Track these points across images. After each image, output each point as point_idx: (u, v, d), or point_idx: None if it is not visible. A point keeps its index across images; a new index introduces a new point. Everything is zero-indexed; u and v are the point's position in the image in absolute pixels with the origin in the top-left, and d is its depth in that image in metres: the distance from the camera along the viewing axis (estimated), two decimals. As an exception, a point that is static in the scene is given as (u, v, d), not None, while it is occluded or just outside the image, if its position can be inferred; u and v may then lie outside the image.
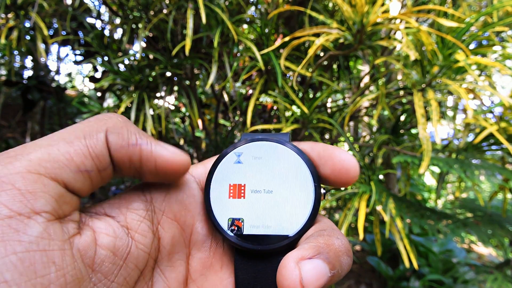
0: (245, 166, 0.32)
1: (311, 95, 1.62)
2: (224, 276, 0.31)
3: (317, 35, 1.07)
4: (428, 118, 0.95)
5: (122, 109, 1.24)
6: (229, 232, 0.30)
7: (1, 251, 0.20)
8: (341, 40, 1.22)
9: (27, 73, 3.00)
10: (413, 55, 0.90)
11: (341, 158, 0.30)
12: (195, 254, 0.31)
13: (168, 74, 1.39)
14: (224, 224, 0.31)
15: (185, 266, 0.31)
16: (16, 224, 0.21)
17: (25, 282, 0.20)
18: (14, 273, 0.20)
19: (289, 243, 0.30)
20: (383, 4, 0.97)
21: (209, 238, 0.32)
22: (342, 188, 1.27)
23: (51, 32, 2.11)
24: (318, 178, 0.31)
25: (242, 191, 0.31)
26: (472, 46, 1.03)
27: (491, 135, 1.04)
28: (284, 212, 0.31)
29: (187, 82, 1.48)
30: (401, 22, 1.07)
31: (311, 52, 0.95)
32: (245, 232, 0.30)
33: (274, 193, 0.31)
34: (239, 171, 0.32)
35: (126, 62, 1.36)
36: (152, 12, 1.34)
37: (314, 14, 1.05)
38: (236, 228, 0.30)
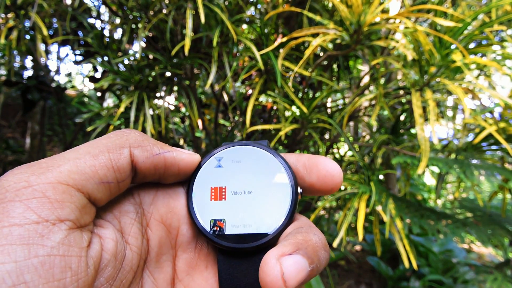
0: (225, 169, 0.34)
1: (311, 95, 1.62)
2: (209, 276, 0.33)
3: (316, 35, 1.07)
4: (426, 118, 0.95)
5: (121, 109, 1.25)
6: (211, 233, 0.32)
7: (24, 254, 0.22)
8: (338, 41, 1.22)
9: (27, 73, 3.00)
10: (410, 55, 0.90)
11: (326, 164, 0.32)
12: (181, 255, 0.33)
13: (168, 74, 1.39)
14: (206, 225, 0.32)
15: (172, 267, 0.32)
16: (41, 230, 0.23)
17: (42, 284, 0.22)
18: (34, 275, 0.22)
19: (269, 240, 0.31)
20: (381, 3, 0.97)
21: (194, 240, 0.33)
22: (342, 188, 1.28)
23: (51, 32, 2.11)
24: (295, 178, 0.33)
25: (223, 193, 0.33)
26: (472, 46, 1.03)
27: (490, 135, 1.04)
28: (263, 211, 0.32)
29: (187, 82, 1.48)
30: (400, 22, 1.07)
31: (308, 52, 0.96)
32: (226, 232, 0.32)
33: (254, 193, 0.33)
34: (219, 174, 0.34)
35: (126, 62, 1.36)
36: (151, 12, 1.34)
37: (310, 15, 1.05)
38: (218, 229, 0.32)
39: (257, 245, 0.31)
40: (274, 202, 0.32)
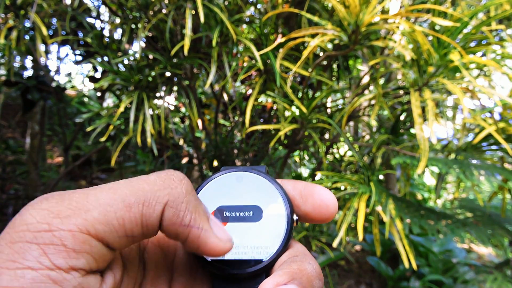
0: (222, 195, 0.34)
1: (310, 95, 1.62)
2: None
3: (315, 35, 1.07)
4: (426, 118, 0.95)
5: (121, 109, 1.25)
6: (207, 258, 0.32)
7: None
8: (336, 41, 1.21)
9: (27, 73, 3.00)
10: (408, 55, 0.90)
11: (321, 194, 0.33)
12: (176, 278, 0.33)
13: (168, 74, 1.39)
14: None
15: None
16: (55, 276, 0.23)
17: None
18: None
19: (263, 267, 0.32)
20: (379, 3, 0.97)
21: (190, 263, 0.34)
22: (342, 188, 1.27)
23: (51, 32, 2.11)
24: (291, 205, 0.33)
25: (219, 218, 0.33)
26: (472, 45, 1.03)
27: (490, 135, 1.03)
28: (259, 238, 0.33)
29: (187, 82, 1.48)
30: (399, 22, 1.07)
31: (305, 53, 0.96)
32: (221, 258, 0.32)
33: (250, 220, 0.33)
34: (217, 199, 0.34)
35: (126, 62, 1.36)
36: (151, 12, 1.34)
37: (308, 15, 1.05)
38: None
39: (251, 271, 0.32)
40: (269, 229, 0.33)
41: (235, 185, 0.35)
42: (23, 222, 0.24)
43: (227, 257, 0.32)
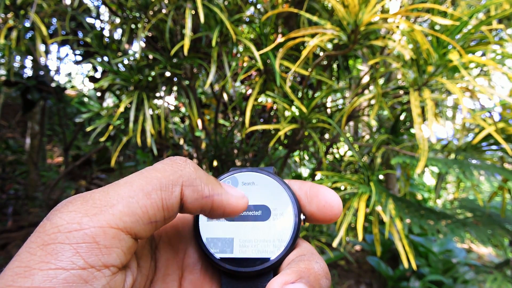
0: None
1: (310, 95, 1.62)
2: None
3: (315, 35, 1.07)
4: (425, 118, 0.95)
5: (121, 109, 1.25)
6: (216, 256, 0.33)
7: None
8: (336, 41, 1.21)
9: (27, 73, 3.00)
10: (408, 55, 0.90)
11: (325, 195, 0.33)
12: (187, 276, 0.34)
13: (168, 74, 1.39)
14: (211, 249, 0.34)
15: (177, 287, 0.33)
16: (86, 276, 0.24)
17: None
18: None
19: (271, 265, 0.32)
20: (378, 2, 0.97)
21: (200, 261, 0.35)
22: (342, 188, 1.27)
23: (51, 32, 2.11)
24: (298, 205, 0.34)
25: (230, 218, 0.34)
26: (471, 45, 1.03)
27: (490, 135, 1.03)
28: (267, 237, 0.33)
29: (187, 82, 1.48)
30: (399, 22, 1.07)
31: (304, 53, 0.96)
32: (230, 256, 0.33)
33: (258, 219, 0.34)
34: None
35: (126, 62, 1.36)
36: (151, 12, 1.34)
37: (307, 15, 1.05)
38: (222, 253, 0.33)
39: (259, 269, 0.32)
40: (277, 228, 0.34)
41: (245, 184, 0.35)
42: (53, 225, 0.25)
43: (236, 255, 0.33)
